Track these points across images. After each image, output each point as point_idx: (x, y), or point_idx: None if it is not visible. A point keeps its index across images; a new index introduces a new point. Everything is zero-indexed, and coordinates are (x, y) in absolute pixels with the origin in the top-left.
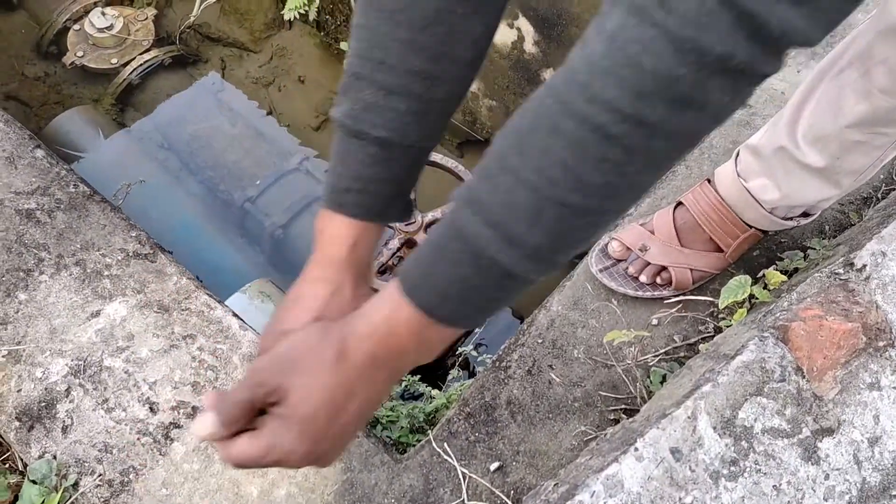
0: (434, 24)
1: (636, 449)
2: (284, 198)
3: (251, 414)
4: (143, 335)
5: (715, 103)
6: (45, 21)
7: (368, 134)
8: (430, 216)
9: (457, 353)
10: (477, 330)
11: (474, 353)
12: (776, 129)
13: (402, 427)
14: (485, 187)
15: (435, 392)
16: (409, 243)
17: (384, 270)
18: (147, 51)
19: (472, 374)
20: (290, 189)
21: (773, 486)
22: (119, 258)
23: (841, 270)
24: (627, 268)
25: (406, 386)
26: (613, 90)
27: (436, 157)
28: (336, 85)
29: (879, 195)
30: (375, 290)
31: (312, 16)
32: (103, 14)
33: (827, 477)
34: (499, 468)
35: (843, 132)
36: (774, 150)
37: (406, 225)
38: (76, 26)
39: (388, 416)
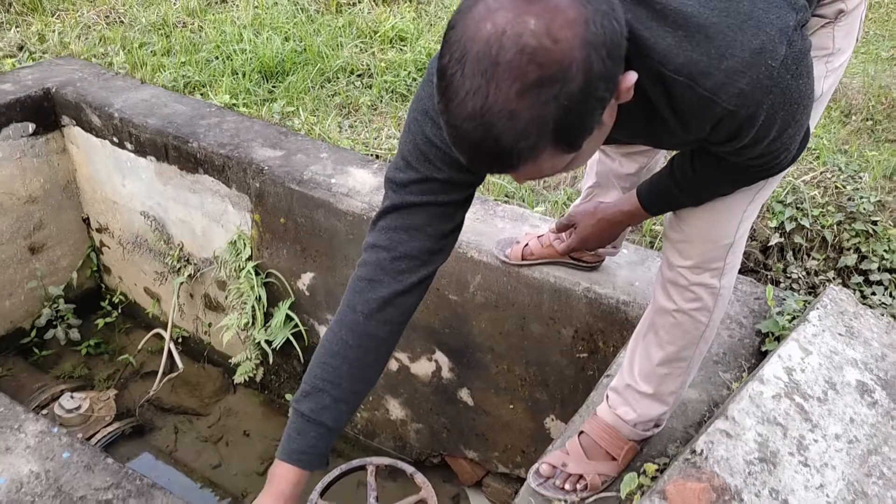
0: (369, 370)
1: None
2: None
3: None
4: None
5: None
6: None
7: (323, 423)
8: None
9: None
10: None
11: None
12: (622, 374)
13: None
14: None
15: None
16: None
17: None
18: (109, 424)
19: None
20: None
21: None
22: None
23: (689, 456)
24: (555, 482)
25: None
26: None
27: (391, 461)
28: (277, 435)
29: (705, 418)
30: None
31: (259, 377)
32: (72, 397)
33: None
34: None
35: (655, 370)
36: (624, 387)
37: None
38: (44, 411)
39: None
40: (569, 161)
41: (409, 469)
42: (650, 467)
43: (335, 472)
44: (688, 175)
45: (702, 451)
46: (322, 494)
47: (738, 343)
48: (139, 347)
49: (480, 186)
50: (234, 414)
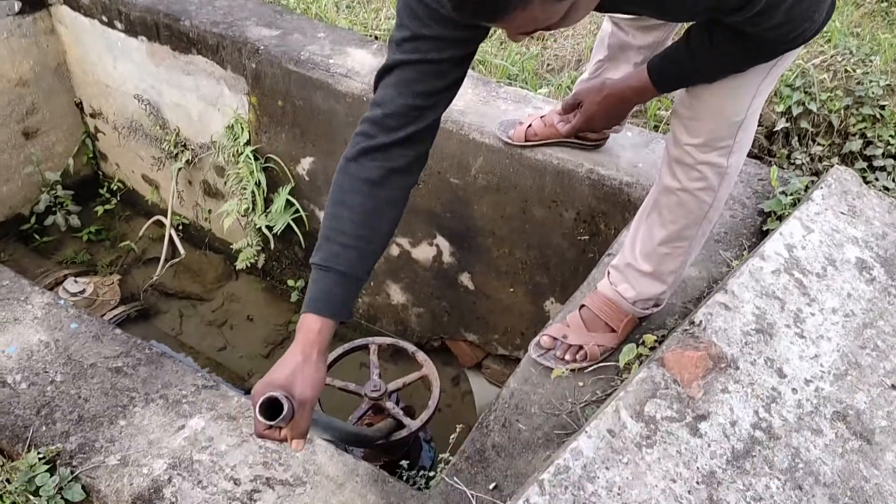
0: (372, 216)
1: (586, 432)
2: None
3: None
4: (220, 436)
5: None
6: None
7: (335, 269)
8: (392, 385)
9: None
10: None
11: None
12: (623, 252)
13: None
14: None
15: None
16: (376, 409)
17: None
18: (114, 308)
19: None
20: None
21: (676, 451)
22: (192, 390)
23: (688, 327)
24: (556, 353)
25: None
26: None
27: (393, 340)
28: (280, 320)
29: (704, 294)
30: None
31: (261, 264)
32: (76, 281)
33: (709, 445)
34: (495, 487)
35: (656, 249)
36: (625, 265)
37: (372, 392)
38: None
39: None
40: (563, 13)
41: (411, 348)
42: (649, 338)
43: (339, 350)
44: (705, 47)
45: (700, 322)
46: (326, 371)
47: (739, 223)
48: (140, 234)
49: (482, 68)
50: (236, 299)
